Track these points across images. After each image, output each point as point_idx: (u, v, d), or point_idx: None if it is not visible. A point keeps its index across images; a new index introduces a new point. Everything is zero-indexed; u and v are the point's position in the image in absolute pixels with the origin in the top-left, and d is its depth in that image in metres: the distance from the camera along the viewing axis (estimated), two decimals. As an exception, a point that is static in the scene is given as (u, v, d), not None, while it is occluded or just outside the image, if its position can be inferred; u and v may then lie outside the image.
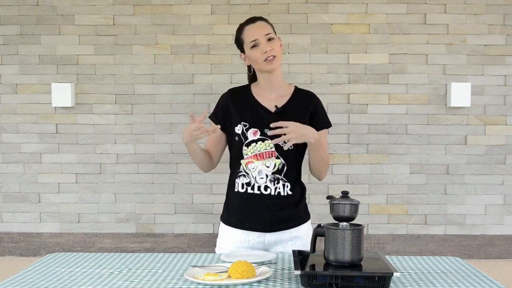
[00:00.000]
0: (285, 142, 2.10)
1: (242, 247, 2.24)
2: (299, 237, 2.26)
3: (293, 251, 1.95)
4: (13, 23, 3.35)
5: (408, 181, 3.34)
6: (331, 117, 2.37)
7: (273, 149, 2.19)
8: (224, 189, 2.34)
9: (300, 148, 2.24)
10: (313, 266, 1.81)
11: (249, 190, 2.21)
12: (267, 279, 1.79)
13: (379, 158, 3.34)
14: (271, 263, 1.98)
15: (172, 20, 3.33)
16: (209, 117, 2.34)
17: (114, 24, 3.34)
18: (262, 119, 2.21)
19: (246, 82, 2.38)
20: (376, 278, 1.68)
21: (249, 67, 2.30)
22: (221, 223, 2.33)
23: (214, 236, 2.40)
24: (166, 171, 3.36)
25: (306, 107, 2.25)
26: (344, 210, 1.81)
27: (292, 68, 3.32)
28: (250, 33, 2.20)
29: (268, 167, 2.19)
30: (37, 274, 1.91)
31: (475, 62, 3.31)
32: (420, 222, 3.35)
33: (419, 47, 3.31)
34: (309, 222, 2.32)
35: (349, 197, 1.85)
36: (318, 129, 2.23)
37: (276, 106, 2.23)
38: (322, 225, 1.83)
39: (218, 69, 3.33)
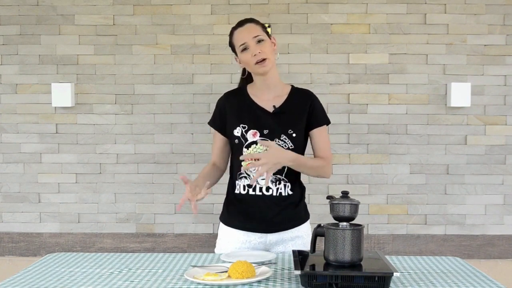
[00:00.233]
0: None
1: (243, 248, 2.24)
2: (300, 236, 2.26)
3: (293, 251, 1.95)
4: (13, 23, 3.35)
5: (408, 181, 3.34)
6: (331, 117, 2.37)
7: (273, 149, 2.19)
8: (224, 189, 2.34)
9: (300, 148, 2.24)
10: (313, 266, 1.81)
11: (251, 192, 2.21)
12: (267, 279, 1.79)
13: (379, 158, 3.34)
14: (271, 263, 1.98)
15: (172, 20, 3.33)
16: (208, 123, 2.34)
17: (114, 24, 3.34)
18: (261, 120, 2.21)
19: (246, 82, 2.38)
20: (376, 278, 1.68)
21: (244, 69, 2.29)
22: (221, 224, 2.33)
23: (214, 236, 2.39)
24: (166, 171, 3.36)
25: (303, 106, 2.25)
26: (344, 210, 1.81)
27: (292, 68, 3.32)
28: (239, 36, 2.20)
29: None
30: (37, 274, 1.91)
31: (475, 62, 3.31)
32: (420, 222, 3.35)
33: (419, 47, 3.32)
34: (308, 221, 2.32)
35: (349, 197, 1.84)
36: (316, 126, 2.23)
37: (274, 106, 2.23)
38: (322, 225, 1.83)
39: (218, 69, 3.33)
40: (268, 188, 2.20)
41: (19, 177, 3.39)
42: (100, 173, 3.38)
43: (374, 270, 1.73)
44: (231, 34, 2.24)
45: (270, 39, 2.22)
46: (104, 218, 3.39)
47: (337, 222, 1.83)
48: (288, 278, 1.81)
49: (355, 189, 3.32)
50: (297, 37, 3.32)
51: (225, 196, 2.34)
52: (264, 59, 2.15)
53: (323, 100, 2.36)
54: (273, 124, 2.20)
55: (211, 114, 2.34)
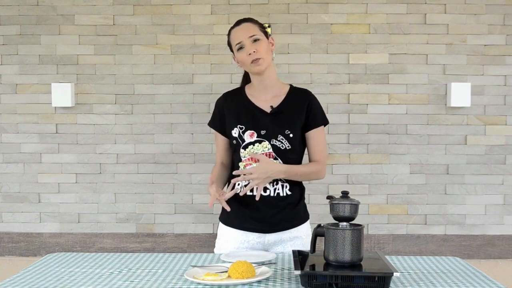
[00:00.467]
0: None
1: (241, 248, 2.24)
2: (299, 237, 2.25)
3: (293, 251, 1.95)
4: (13, 23, 3.35)
5: (408, 181, 3.34)
6: (331, 117, 2.38)
7: (271, 150, 2.19)
8: (224, 189, 2.33)
9: (298, 149, 2.23)
10: (313, 266, 1.81)
11: (248, 192, 2.21)
12: (267, 279, 1.79)
13: (379, 158, 3.34)
14: (271, 263, 1.98)
15: (172, 20, 3.33)
16: (208, 124, 2.35)
17: (114, 24, 3.34)
18: (258, 120, 2.21)
19: (246, 82, 2.38)
20: (376, 278, 1.68)
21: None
22: (220, 223, 2.33)
23: (214, 236, 2.39)
24: (166, 171, 3.36)
25: (301, 106, 2.24)
26: (344, 210, 1.81)
27: (292, 68, 3.32)
28: (236, 36, 2.21)
29: None
30: (37, 274, 1.91)
31: (475, 62, 3.31)
32: (420, 222, 3.35)
33: (419, 47, 3.31)
34: (308, 222, 2.31)
35: (349, 197, 1.84)
36: (313, 127, 2.23)
37: (271, 107, 2.23)
38: (322, 225, 1.83)
39: (218, 69, 3.33)
40: (265, 189, 2.20)
41: (19, 177, 3.39)
42: (100, 173, 3.38)
43: (374, 270, 1.73)
44: (229, 34, 2.26)
45: (268, 39, 2.23)
46: (104, 218, 3.39)
47: (337, 222, 1.83)
48: (288, 278, 1.81)
49: (355, 189, 3.32)
50: (297, 37, 3.32)
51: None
52: (258, 59, 2.16)
53: (323, 100, 2.36)
54: (270, 124, 2.20)
55: (211, 115, 2.34)
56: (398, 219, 3.35)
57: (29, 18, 3.34)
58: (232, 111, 2.26)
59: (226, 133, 2.26)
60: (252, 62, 2.17)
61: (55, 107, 3.36)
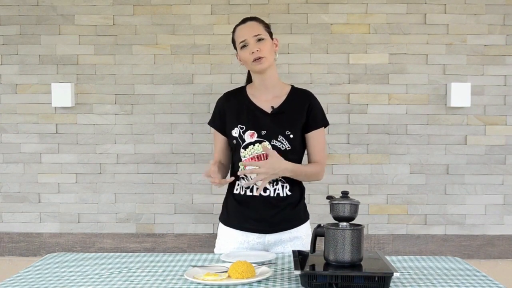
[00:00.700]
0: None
1: (241, 248, 2.24)
2: (299, 237, 2.25)
3: (293, 251, 1.95)
4: (13, 23, 3.35)
5: (408, 181, 3.34)
6: (331, 117, 2.38)
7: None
8: (224, 189, 2.34)
9: (298, 149, 2.23)
10: (313, 266, 1.81)
11: (248, 193, 2.21)
12: (267, 279, 1.79)
13: (379, 158, 3.34)
14: (271, 263, 1.98)
15: (172, 20, 3.33)
16: (208, 123, 2.35)
17: (114, 24, 3.34)
18: (259, 120, 2.21)
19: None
20: (376, 278, 1.68)
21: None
22: (220, 224, 2.33)
23: (214, 236, 2.39)
24: (166, 171, 3.36)
25: (302, 107, 2.24)
26: (344, 210, 1.81)
27: (292, 68, 3.32)
28: (240, 34, 2.21)
29: None
30: (37, 274, 1.91)
31: (475, 62, 3.31)
32: (420, 222, 3.35)
33: (419, 47, 3.31)
34: (308, 222, 2.31)
35: (349, 197, 1.84)
36: (314, 128, 2.23)
37: (272, 107, 2.23)
38: (322, 225, 1.83)
39: (218, 69, 3.33)
40: (265, 189, 2.20)
41: (19, 177, 3.39)
42: (100, 173, 3.38)
43: (374, 270, 1.73)
44: (233, 31, 2.26)
45: (273, 39, 2.23)
46: (104, 218, 3.39)
47: (337, 222, 1.83)
48: (288, 278, 1.81)
49: (355, 189, 3.32)
50: (297, 37, 3.32)
51: (224, 196, 2.34)
52: (260, 57, 2.16)
53: (323, 100, 2.36)
54: (270, 124, 2.20)
55: (211, 114, 2.34)
56: (398, 219, 3.35)
57: (29, 18, 3.34)
58: (233, 111, 2.26)
59: (226, 132, 2.26)
60: (254, 61, 2.17)
61: (55, 107, 3.36)
